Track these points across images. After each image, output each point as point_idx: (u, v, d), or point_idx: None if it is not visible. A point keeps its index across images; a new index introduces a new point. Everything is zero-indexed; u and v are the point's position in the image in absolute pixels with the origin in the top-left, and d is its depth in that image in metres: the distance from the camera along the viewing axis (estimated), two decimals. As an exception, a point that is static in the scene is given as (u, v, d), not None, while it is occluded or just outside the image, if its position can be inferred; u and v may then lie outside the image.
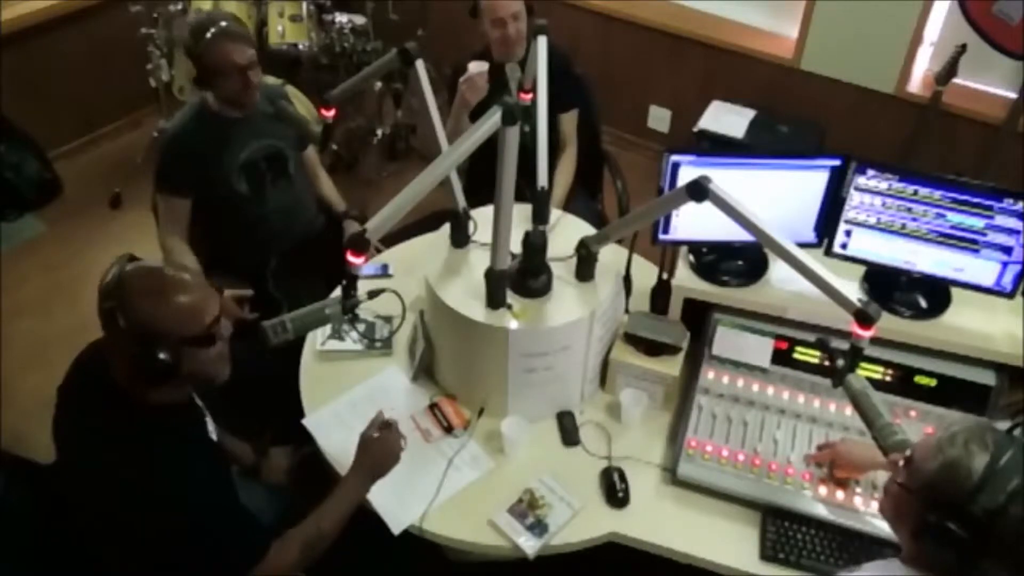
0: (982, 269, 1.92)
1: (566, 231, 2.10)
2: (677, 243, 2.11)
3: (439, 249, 2.11)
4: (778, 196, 1.97)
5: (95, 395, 1.61)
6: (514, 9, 2.62)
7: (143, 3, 3.61)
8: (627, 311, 2.16)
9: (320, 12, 3.77)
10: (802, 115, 3.54)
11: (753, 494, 1.87)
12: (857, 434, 1.93)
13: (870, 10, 3.33)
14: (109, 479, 1.55)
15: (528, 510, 1.86)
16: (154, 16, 3.63)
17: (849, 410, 1.93)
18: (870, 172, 1.90)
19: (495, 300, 1.90)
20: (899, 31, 3.32)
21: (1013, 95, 3.22)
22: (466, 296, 1.94)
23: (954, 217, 1.88)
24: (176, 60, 3.66)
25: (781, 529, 1.82)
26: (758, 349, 2.08)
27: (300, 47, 3.63)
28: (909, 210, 1.91)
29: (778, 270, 2.09)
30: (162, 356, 1.47)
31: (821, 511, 1.82)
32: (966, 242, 1.90)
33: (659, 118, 4.14)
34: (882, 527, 1.77)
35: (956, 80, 3.16)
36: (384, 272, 2.45)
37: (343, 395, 2.09)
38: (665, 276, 2.14)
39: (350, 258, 1.65)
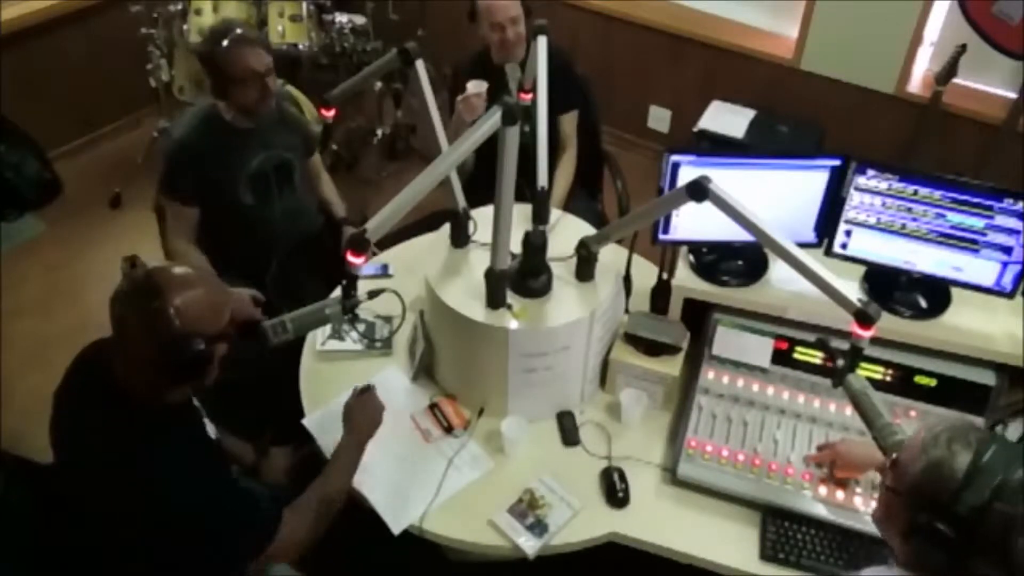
0: (982, 269, 1.92)
1: (566, 231, 2.10)
2: (677, 243, 2.11)
3: (439, 249, 2.11)
4: (778, 196, 1.97)
5: (95, 396, 1.61)
6: (512, 13, 2.61)
7: (143, 3, 3.61)
8: (627, 311, 2.17)
9: (320, 12, 3.77)
10: (802, 115, 3.54)
11: (753, 494, 1.87)
12: (857, 434, 1.93)
13: (870, 10, 3.33)
14: (111, 480, 1.55)
15: (528, 510, 1.86)
16: (154, 16, 3.63)
17: (849, 410, 1.93)
18: (870, 172, 1.90)
19: (495, 300, 1.90)
20: (899, 31, 3.32)
21: (1013, 95, 3.22)
22: (466, 296, 1.94)
23: (954, 217, 1.88)
24: (176, 60, 3.66)
25: (781, 529, 1.82)
26: (758, 349, 2.08)
27: (300, 47, 3.63)
28: (909, 210, 1.91)
29: (778, 270, 2.09)
30: (201, 349, 1.50)
31: (821, 511, 1.82)
32: (966, 242, 1.90)
33: (659, 118, 4.14)
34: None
35: (956, 80, 3.16)
36: (384, 272, 2.45)
37: (343, 395, 2.08)
38: (665, 276, 2.14)
39: (350, 258, 1.65)
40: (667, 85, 4.03)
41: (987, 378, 1.96)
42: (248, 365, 1.82)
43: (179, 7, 3.55)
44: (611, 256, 2.06)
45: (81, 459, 1.62)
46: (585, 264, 1.99)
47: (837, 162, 1.93)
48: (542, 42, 2.12)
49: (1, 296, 3.29)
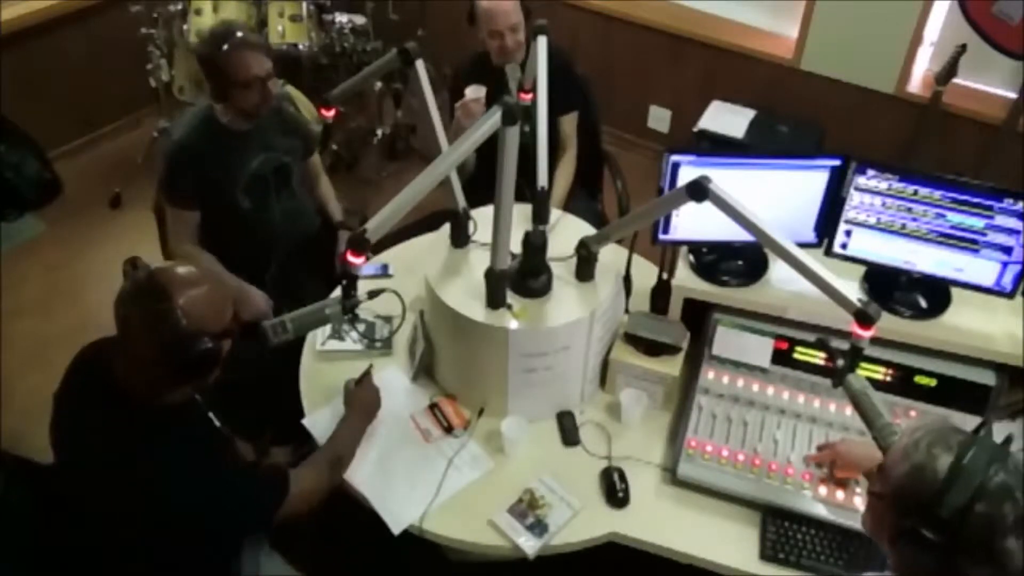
0: (982, 269, 1.92)
1: (566, 231, 2.10)
2: (677, 243, 2.11)
3: (439, 249, 2.11)
4: (778, 196, 1.97)
5: (95, 397, 1.61)
6: (511, 21, 2.60)
7: (143, 3, 3.61)
8: (627, 311, 2.17)
9: (320, 12, 3.77)
10: (802, 115, 3.54)
11: (753, 494, 1.87)
12: (857, 434, 1.93)
13: (870, 10, 3.33)
14: (111, 480, 1.55)
15: (528, 510, 1.86)
16: (154, 16, 3.63)
17: (849, 410, 1.93)
18: (870, 172, 1.90)
19: (495, 300, 1.90)
20: (899, 31, 3.32)
21: (1013, 95, 3.22)
22: (466, 296, 1.94)
23: (954, 217, 1.88)
24: (176, 60, 3.66)
25: (781, 529, 1.82)
26: (758, 349, 2.08)
27: (300, 47, 3.63)
28: (909, 210, 1.91)
29: (778, 270, 2.09)
30: (208, 347, 1.52)
31: (821, 511, 1.82)
32: (966, 242, 1.90)
33: (659, 118, 4.14)
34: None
35: (956, 80, 3.16)
36: (384, 272, 2.45)
37: (342, 394, 2.09)
38: (665, 276, 2.14)
39: (350, 258, 1.65)
40: (667, 85, 4.03)
41: (987, 378, 1.96)
42: (248, 365, 1.82)
43: (179, 7, 3.55)
44: (611, 256, 2.06)
45: (81, 459, 1.62)
46: (585, 264, 1.99)
47: (837, 162, 1.93)
48: (542, 42, 2.12)
49: (1, 296, 3.29)
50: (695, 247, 2.14)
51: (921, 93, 3.40)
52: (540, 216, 2.09)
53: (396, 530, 1.83)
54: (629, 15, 3.89)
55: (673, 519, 1.87)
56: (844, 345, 1.64)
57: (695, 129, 3.51)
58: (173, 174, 2.45)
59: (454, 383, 2.10)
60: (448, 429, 2.03)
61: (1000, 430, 1.99)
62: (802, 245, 1.68)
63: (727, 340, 2.09)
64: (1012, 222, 1.84)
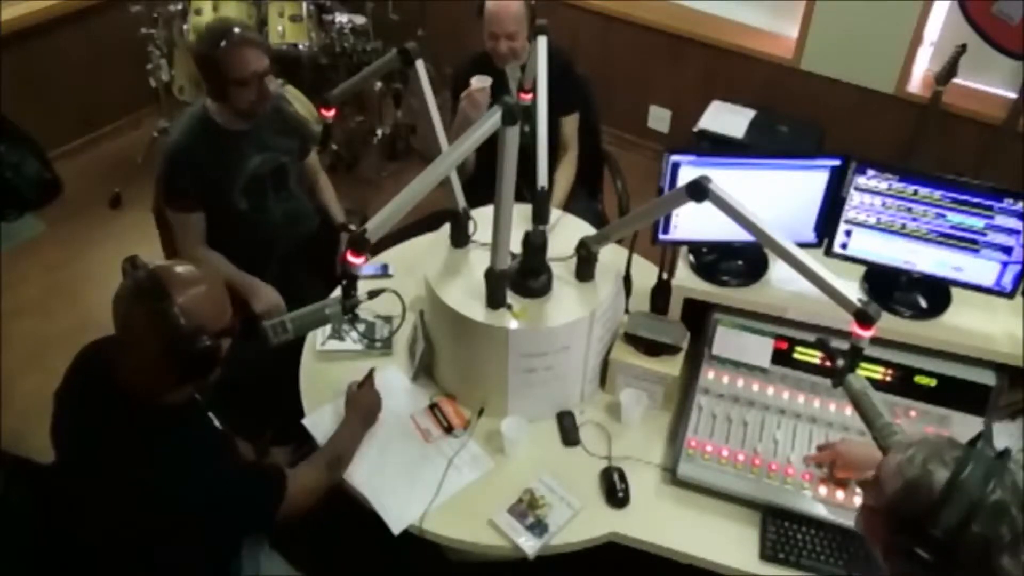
0: (982, 269, 1.92)
1: (566, 231, 2.10)
2: (677, 243, 2.11)
3: (439, 249, 2.11)
4: (778, 196, 1.97)
5: (96, 396, 1.61)
6: (510, 29, 2.59)
7: (143, 3, 3.61)
8: (627, 311, 2.17)
9: (320, 12, 3.77)
10: (802, 115, 3.54)
11: (753, 494, 1.87)
12: (857, 434, 1.93)
13: (870, 10, 3.33)
14: (112, 479, 1.55)
15: (528, 510, 1.86)
16: (154, 16, 3.63)
17: (849, 410, 1.93)
18: (870, 172, 1.90)
19: (495, 300, 1.90)
20: (899, 31, 3.32)
21: (1013, 95, 3.22)
22: (466, 296, 1.94)
23: (954, 217, 1.88)
24: (176, 60, 3.66)
25: (781, 529, 1.82)
26: (758, 349, 2.08)
27: (300, 47, 3.63)
28: (909, 210, 1.91)
29: (778, 270, 2.09)
30: (208, 345, 1.51)
31: (821, 511, 1.82)
32: (966, 242, 1.90)
33: (659, 118, 4.14)
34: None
35: (956, 80, 3.16)
36: (384, 272, 2.45)
37: (343, 395, 2.08)
38: (665, 276, 2.14)
39: (350, 258, 1.65)
40: (667, 85, 4.03)
41: (987, 378, 1.96)
42: (248, 365, 1.82)
43: (179, 7, 3.55)
44: (611, 256, 2.06)
45: (81, 459, 1.62)
46: (585, 264, 1.99)
47: (837, 162, 1.93)
48: (542, 42, 2.11)
49: (1, 296, 3.30)
50: (695, 247, 2.14)
51: (921, 93, 3.40)
52: (540, 216, 2.09)
53: (396, 530, 1.83)
54: (629, 15, 3.89)
55: (673, 519, 1.87)
56: (844, 345, 1.64)
57: (695, 129, 3.51)
58: (172, 179, 2.43)
59: (454, 383, 2.10)
60: (448, 429, 2.03)
61: (1000, 430, 2.00)
62: (802, 245, 1.67)
63: (727, 340, 2.09)
64: (1012, 222, 1.84)
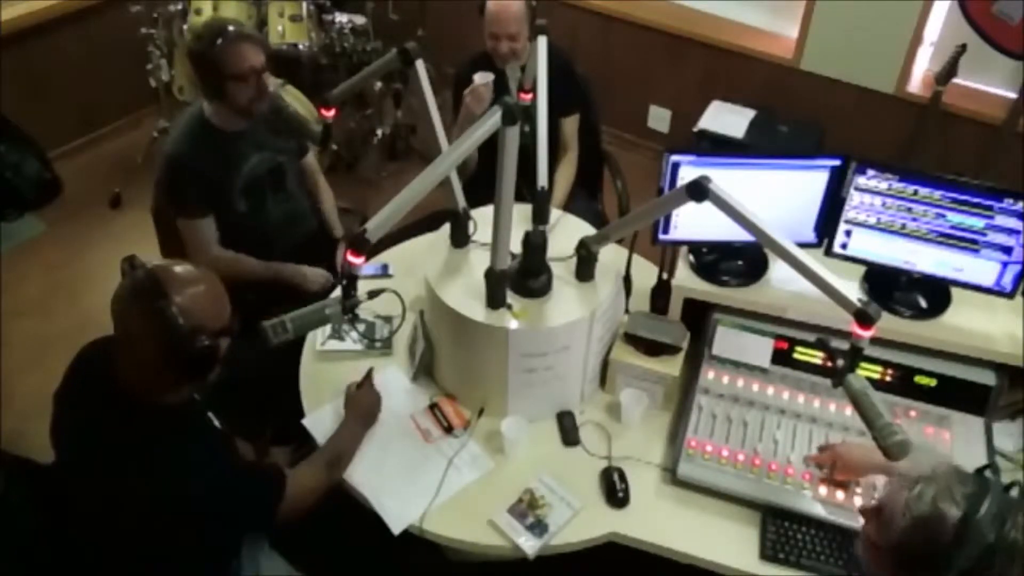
0: (982, 269, 1.92)
1: (566, 231, 2.10)
2: (677, 243, 2.11)
3: (439, 249, 2.11)
4: (778, 196, 1.97)
5: (96, 396, 1.61)
6: (511, 29, 2.59)
7: (143, 3, 3.61)
8: (627, 311, 2.16)
9: (320, 12, 3.77)
10: (802, 115, 3.54)
11: (753, 494, 1.87)
12: (857, 434, 1.93)
13: (870, 10, 3.33)
14: (112, 479, 1.55)
15: (528, 510, 1.86)
16: (154, 16, 3.63)
17: (849, 410, 1.93)
18: (870, 172, 1.90)
19: (495, 300, 1.90)
20: (899, 31, 3.32)
21: (1013, 95, 3.22)
22: (466, 296, 1.94)
23: (954, 217, 1.88)
24: (176, 60, 3.66)
25: (781, 529, 1.82)
26: (758, 349, 2.08)
27: (300, 47, 3.63)
28: (909, 210, 1.91)
29: (778, 270, 2.09)
30: (206, 344, 1.51)
31: (821, 511, 1.82)
32: (966, 242, 1.90)
33: (659, 118, 4.14)
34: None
35: (956, 80, 3.16)
36: (384, 272, 2.45)
37: (343, 395, 2.09)
38: (665, 276, 2.14)
39: (350, 258, 1.65)
40: (667, 85, 4.03)
41: (987, 378, 1.96)
42: (248, 365, 1.82)
43: (179, 7, 3.55)
44: (611, 256, 2.06)
45: (81, 459, 1.62)
46: (585, 264, 1.99)
47: (837, 162, 1.93)
48: (542, 42, 2.11)
49: (1, 296, 3.30)
50: (695, 247, 2.14)
51: (921, 93, 3.40)
52: (540, 216, 2.09)
53: (396, 530, 1.83)
54: (629, 15, 3.89)
55: (673, 519, 1.87)
56: (844, 345, 1.64)
57: (695, 129, 3.51)
58: (178, 188, 2.42)
59: (454, 383, 2.10)
60: (448, 429, 2.03)
61: (1000, 430, 2.01)
62: (802, 245, 1.67)
63: (727, 340, 2.09)
64: (1012, 222, 1.84)
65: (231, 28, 2.31)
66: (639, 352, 2.07)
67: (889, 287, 2.03)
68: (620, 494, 1.89)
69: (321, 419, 2.04)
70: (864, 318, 1.56)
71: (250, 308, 1.68)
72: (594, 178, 3.11)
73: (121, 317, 1.52)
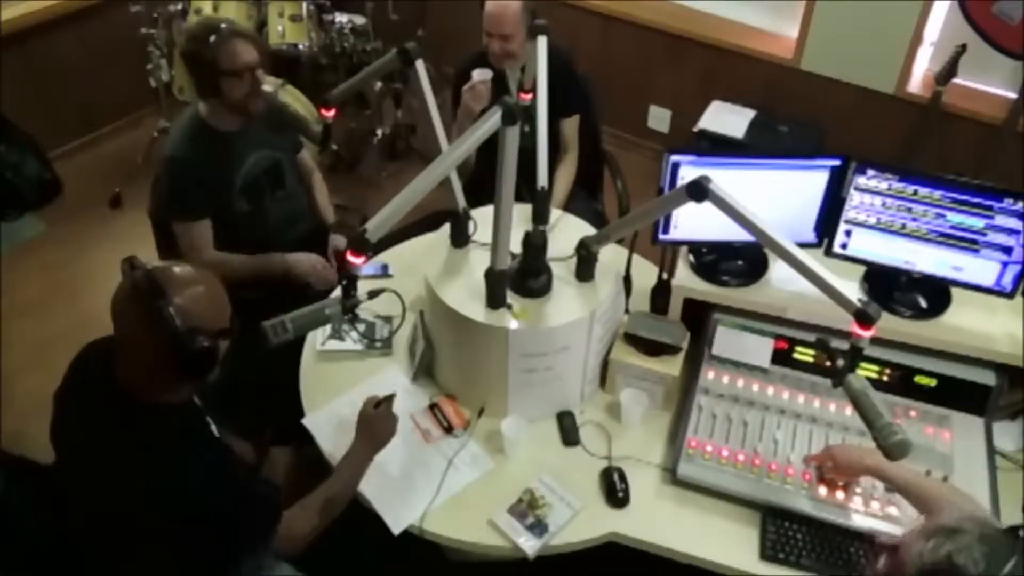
0: (982, 269, 1.92)
1: (566, 231, 2.10)
2: (677, 243, 2.11)
3: (439, 249, 2.11)
4: (778, 196, 1.97)
5: (96, 396, 1.61)
6: (506, 30, 2.58)
7: (143, 3, 3.61)
8: (627, 311, 2.16)
9: (320, 12, 3.77)
10: (802, 115, 3.54)
11: (753, 494, 1.87)
12: (857, 434, 1.93)
13: (870, 10, 3.33)
14: (112, 480, 1.55)
15: (528, 510, 1.86)
16: (154, 16, 3.63)
17: (849, 410, 1.93)
18: (870, 172, 1.90)
19: (495, 300, 1.90)
20: (899, 31, 3.32)
21: (1013, 95, 3.22)
22: (466, 296, 1.94)
23: (954, 217, 1.88)
24: (176, 60, 3.66)
25: (781, 529, 1.82)
26: (758, 349, 2.08)
27: (300, 47, 3.63)
28: (909, 210, 1.91)
29: (778, 270, 2.09)
30: (205, 346, 1.51)
31: (821, 511, 1.82)
32: (966, 242, 1.90)
33: (659, 118, 4.14)
34: (881, 528, 1.78)
35: (956, 80, 3.16)
36: (384, 272, 2.45)
37: (343, 395, 2.09)
38: (665, 276, 2.14)
39: (350, 258, 1.65)
40: (667, 85, 4.03)
41: (987, 378, 1.96)
42: (248, 365, 1.82)
43: (179, 7, 3.56)
44: (611, 256, 2.06)
45: (81, 459, 1.62)
46: (585, 264, 1.99)
47: (837, 162, 1.93)
48: (542, 42, 2.11)
49: (1, 296, 3.30)
50: (695, 247, 2.14)
51: (921, 93, 3.40)
52: (540, 216, 2.09)
53: (396, 530, 1.83)
54: (629, 15, 3.89)
55: (673, 519, 1.87)
56: (844, 345, 1.64)
57: (695, 129, 3.51)
58: (176, 191, 2.42)
59: (454, 383, 2.10)
60: (448, 429, 2.03)
61: (1000, 430, 2.01)
62: (802, 245, 1.67)
63: (727, 340, 2.09)
64: (1012, 222, 1.84)
65: (224, 26, 2.32)
66: (639, 352, 2.07)
67: (889, 287, 2.03)
68: (620, 494, 1.89)
69: (321, 419, 2.04)
70: (864, 318, 1.56)
71: (252, 308, 1.68)
72: (594, 178, 3.10)
73: (120, 318, 1.52)
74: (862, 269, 2.06)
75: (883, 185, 1.90)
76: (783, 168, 1.97)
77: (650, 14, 3.86)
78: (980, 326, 1.97)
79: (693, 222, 2.02)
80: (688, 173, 1.89)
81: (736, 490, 1.87)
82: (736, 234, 1.71)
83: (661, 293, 2.14)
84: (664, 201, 1.87)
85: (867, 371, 1.99)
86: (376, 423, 1.90)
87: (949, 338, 1.96)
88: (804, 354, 2.06)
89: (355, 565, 2.18)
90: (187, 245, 2.46)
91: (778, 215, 1.82)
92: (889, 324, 1.91)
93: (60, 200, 3.61)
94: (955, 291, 2.02)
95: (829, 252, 2.02)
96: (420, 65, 2.07)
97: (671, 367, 2.04)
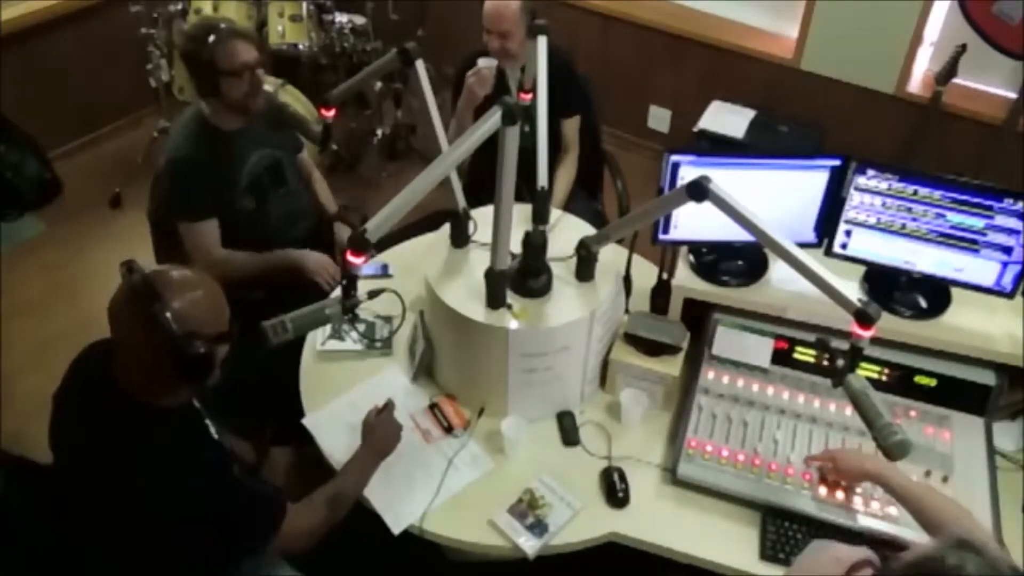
0: (982, 269, 1.92)
1: (566, 231, 2.10)
2: (677, 243, 2.11)
3: (439, 249, 2.11)
4: (778, 196, 1.97)
5: (95, 398, 1.61)
6: (504, 28, 2.59)
7: (143, 3, 3.61)
8: (627, 311, 2.16)
9: (320, 12, 3.77)
10: (802, 115, 3.54)
11: (753, 494, 1.86)
12: (857, 434, 1.93)
13: (870, 10, 3.33)
14: (111, 481, 1.55)
15: (528, 510, 1.86)
16: (154, 16, 3.63)
17: (849, 410, 1.93)
18: (870, 172, 1.90)
19: (495, 300, 1.90)
20: (899, 31, 3.32)
21: (1013, 95, 3.22)
22: (466, 296, 1.94)
23: (954, 217, 1.88)
24: (176, 60, 3.66)
25: (781, 529, 1.82)
26: (758, 349, 2.08)
27: (300, 47, 3.63)
28: (909, 210, 1.91)
29: (778, 270, 2.09)
30: (202, 351, 1.51)
31: (821, 511, 1.82)
32: (966, 242, 1.90)
33: (659, 118, 4.14)
34: (882, 528, 1.78)
35: (956, 80, 3.16)
36: (384, 272, 2.45)
37: (343, 395, 2.09)
38: (665, 276, 2.14)
39: (350, 258, 1.65)
40: (667, 85, 4.03)
41: (987, 378, 1.96)
42: (248, 365, 1.82)
43: (179, 7, 3.56)
44: (611, 256, 2.06)
45: (82, 460, 1.62)
46: (585, 264, 1.99)
47: (837, 162, 1.93)
48: (542, 42, 2.11)
49: (1, 296, 3.29)
50: (695, 247, 2.14)
51: (921, 93, 3.40)
52: (540, 216, 2.09)
53: (396, 530, 1.83)
54: (629, 15, 3.89)
55: (673, 519, 1.87)
56: (844, 345, 1.64)
57: (695, 129, 3.51)
58: (181, 192, 2.41)
59: (454, 383, 2.10)
60: (448, 429, 2.03)
61: (1000, 430, 2.01)
62: (802, 245, 1.67)
63: (727, 340, 2.09)
64: (1012, 222, 1.84)
65: (222, 26, 2.33)
66: (639, 352, 2.07)
67: (889, 287, 2.03)
68: (620, 494, 1.89)
69: (321, 419, 2.04)
70: (864, 318, 1.56)
71: (252, 308, 1.68)
72: (594, 178, 3.10)
73: (118, 321, 1.52)
74: (862, 269, 2.06)
75: (883, 185, 1.90)
76: (783, 168, 1.97)
77: (650, 14, 3.86)
78: (980, 326, 1.97)
79: (693, 222, 2.02)
80: (688, 173, 1.89)
81: (736, 490, 1.87)
82: (736, 234, 1.71)
83: (661, 293, 2.14)
84: (664, 201, 1.87)
85: (867, 371, 1.99)
86: (378, 430, 1.91)
87: (949, 338, 1.96)
88: (804, 354, 2.06)
89: (355, 565, 2.19)
90: (193, 245, 2.46)
91: (778, 215, 1.82)
92: (889, 324, 1.91)
93: (60, 200, 3.61)
94: (955, 291, 2.02)
95: (829, 252, 2.02)
96: (420, 65, 2.07)
97: (671, 367, 2.04)
